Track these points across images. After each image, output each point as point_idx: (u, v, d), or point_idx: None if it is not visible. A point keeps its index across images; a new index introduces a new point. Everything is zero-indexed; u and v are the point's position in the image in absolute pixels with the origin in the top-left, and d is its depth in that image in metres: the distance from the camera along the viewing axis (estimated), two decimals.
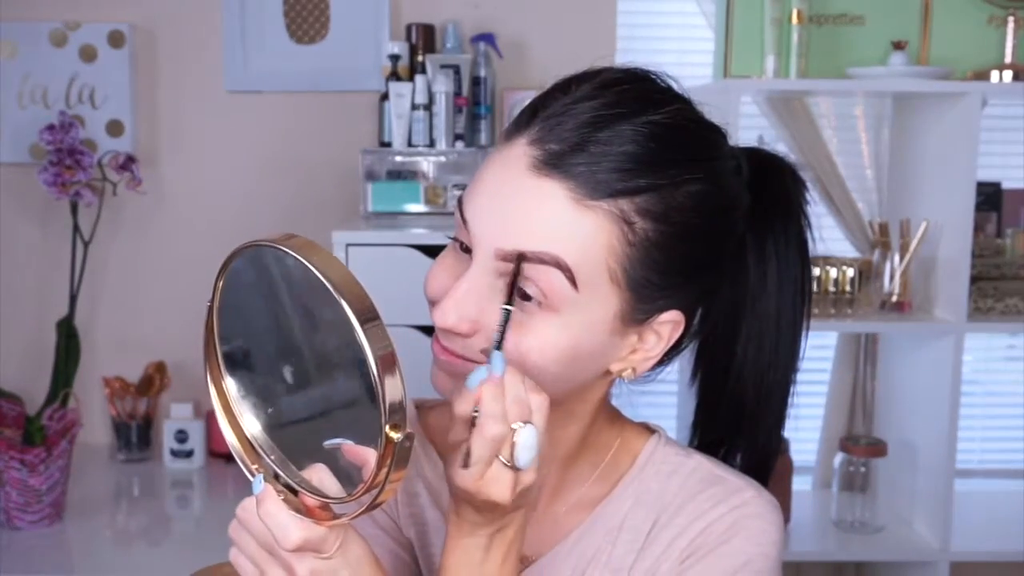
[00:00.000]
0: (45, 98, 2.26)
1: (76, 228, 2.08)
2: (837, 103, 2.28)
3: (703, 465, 0.84)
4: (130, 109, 2.28)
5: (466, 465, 0.68)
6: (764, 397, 0.86)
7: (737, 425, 0.87)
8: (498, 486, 0.68)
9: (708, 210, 0.75)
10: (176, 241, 2.31)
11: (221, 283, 0.67)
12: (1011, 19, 2.00)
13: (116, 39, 2.25)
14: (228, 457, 2.25)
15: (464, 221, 0.75)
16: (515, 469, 0.68)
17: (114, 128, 2.27)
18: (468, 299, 0.73)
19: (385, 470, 0.62)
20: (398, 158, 2.13)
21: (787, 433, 2.12)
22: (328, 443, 0.66)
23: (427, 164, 2.13)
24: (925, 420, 2.03)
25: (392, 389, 0.60)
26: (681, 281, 0.75)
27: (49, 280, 2.30)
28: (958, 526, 1.98)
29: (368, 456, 0.63)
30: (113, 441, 2.30)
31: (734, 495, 0.81)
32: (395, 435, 0.61)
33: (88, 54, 2.25)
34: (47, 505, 1.87)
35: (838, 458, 2.07)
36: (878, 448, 2.04)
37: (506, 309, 0.70)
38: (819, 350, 2.42)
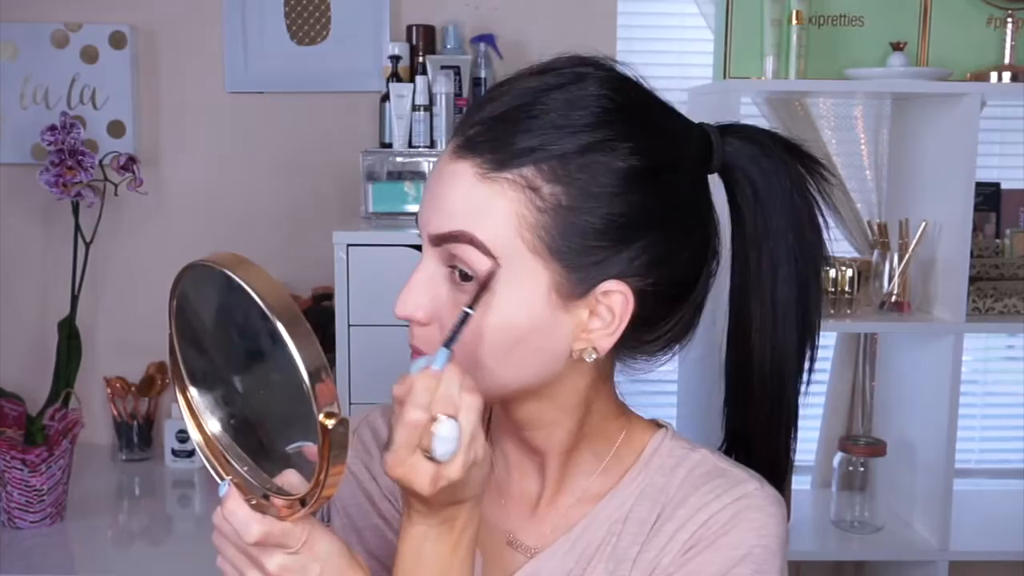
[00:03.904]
0: (47, 99, 2.27)
1: (77, 228, 2.09)
2: (836, 104, 2.28)
3: (708, 458, 0.84)
4: (131, 110, 2.28)
5: (388, 448, 0.70)
6: (776, 368, 0.86)
7: (758, 403, 0.87)
8: (418, 476, 0.70)
9: (624, 172, 0.74)
10: (177, 241, 2.32)
11: (174, 304, 0.71)
12: (1010, 20, 2.00)
13: (117, 40, 2.26)
14: None
15: (416, 218, 0.80)
16: (434, 461, 0.69)
17: (115, 129, 2.28)
18: (419, 287, 0.76)
19: (326, 461, 0.65)
20: (399, 159, 2.13)
21: None
22: (289, 447, 0.69)
23: (428, 165, 2.14)
24: (924, 420, 2.03)
25: (322, 387, 0.64)
26: (608, 245, 0.75)
27: (50, 280, 2.30)
28: (957, 526, 1.98)
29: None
30: (114, 441, 2.30)
31: (736, 487, 0.81)
32: (328, 422, 0.64)
33: (89, 55, 2.26)
34: (48, 505, 1.88)
35: (837, 457, 2.07)
36: (877, 448, 2.04)
37: (464, 312, 0.73)
38: (819, 350, 2.42)
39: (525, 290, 0.75)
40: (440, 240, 0.75)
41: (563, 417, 0.83)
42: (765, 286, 0.85)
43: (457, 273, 0.75)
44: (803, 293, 0.85)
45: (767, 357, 0.86)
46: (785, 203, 0.84)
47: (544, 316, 0.76)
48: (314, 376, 0.63)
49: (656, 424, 0.89)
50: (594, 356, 0.78)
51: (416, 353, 0.78)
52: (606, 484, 0.85)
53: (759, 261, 0.84)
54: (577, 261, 0.75)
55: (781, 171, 0.84)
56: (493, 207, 0.73)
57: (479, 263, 0.74)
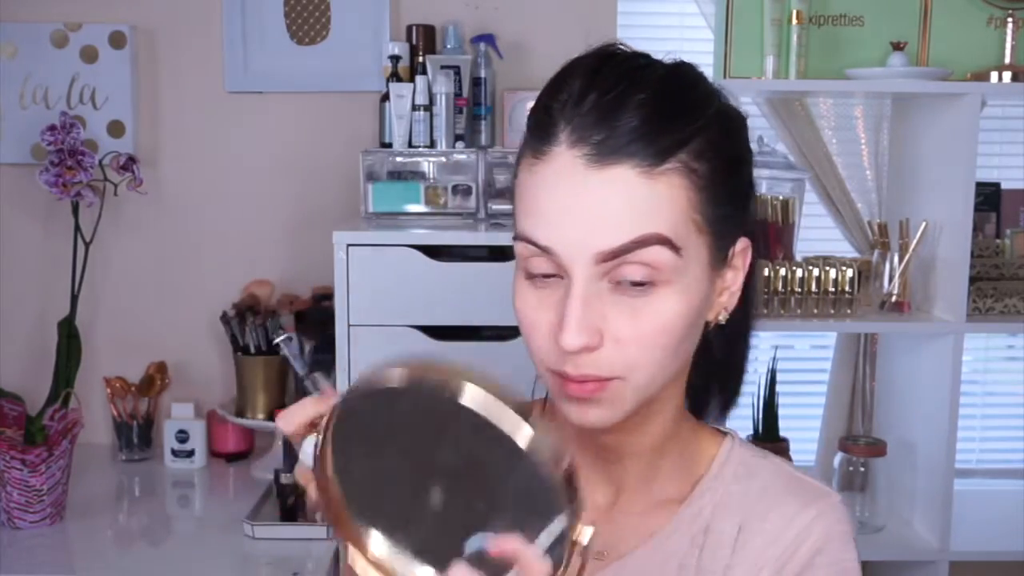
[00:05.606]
0: (46, 99, 2.27)
1: (77, 228, 2.09)
2: (836, 104, 2.28)
3: (782, 468, 0.85)
4: (131, 110, 2.28)
5: None
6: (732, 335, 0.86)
7: (715, 358, 0.86)
8: None
9: (734, 133, 0.78)
10: (177, 241, 2.32)
11: (329, 446, 0.61)
12: (1010, 20, 2.00)
13: (117, 40, 2.26)
14: (229, 457, 2.26)
15: (542, 249, 0.73)
16: None
17: (115, 128, 2.28)
18: (587, 313, 0.71)
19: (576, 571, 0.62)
20: (399, 159, 2.13)
21: (787, 432, 2.13)
22: (468, 550, 0.60)
23: (427, 165, 2.14)
24: (924, 420, 2.03)
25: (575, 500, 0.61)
26: (741, 205, 0.79)
27: (50, 280, 2.30)
28: (957, 526, 1.99)
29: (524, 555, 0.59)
30: (114, 441, 2.30)
31: (818, 500, 0.82)
32: (583, 539, 0.61)
33: (89, 55, 2.26)
34: (48, 505, 1.88)
35: (838, 458, 2.07)
36: (877, 448, 2.04)
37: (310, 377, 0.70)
38: (819, 350, 2.43)
39: (698, 271, 0.75)
40: (618, 253, 0.71)
41: (658, 413, 0.81)
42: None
43: (627, 282, 0.72)
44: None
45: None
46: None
47: (706, 291, 0.77)
48: (573, 502, 0.60)
49: (718, 431, 0.89)
50: (726, 317, 0.80)
51: (585, 381, 0.73)
52: (680, 492, 0.84)
53: None
54: (723, 229, 0.76)
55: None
56: (666, 199, 0.72)
57: (665, 260, 0.72)
